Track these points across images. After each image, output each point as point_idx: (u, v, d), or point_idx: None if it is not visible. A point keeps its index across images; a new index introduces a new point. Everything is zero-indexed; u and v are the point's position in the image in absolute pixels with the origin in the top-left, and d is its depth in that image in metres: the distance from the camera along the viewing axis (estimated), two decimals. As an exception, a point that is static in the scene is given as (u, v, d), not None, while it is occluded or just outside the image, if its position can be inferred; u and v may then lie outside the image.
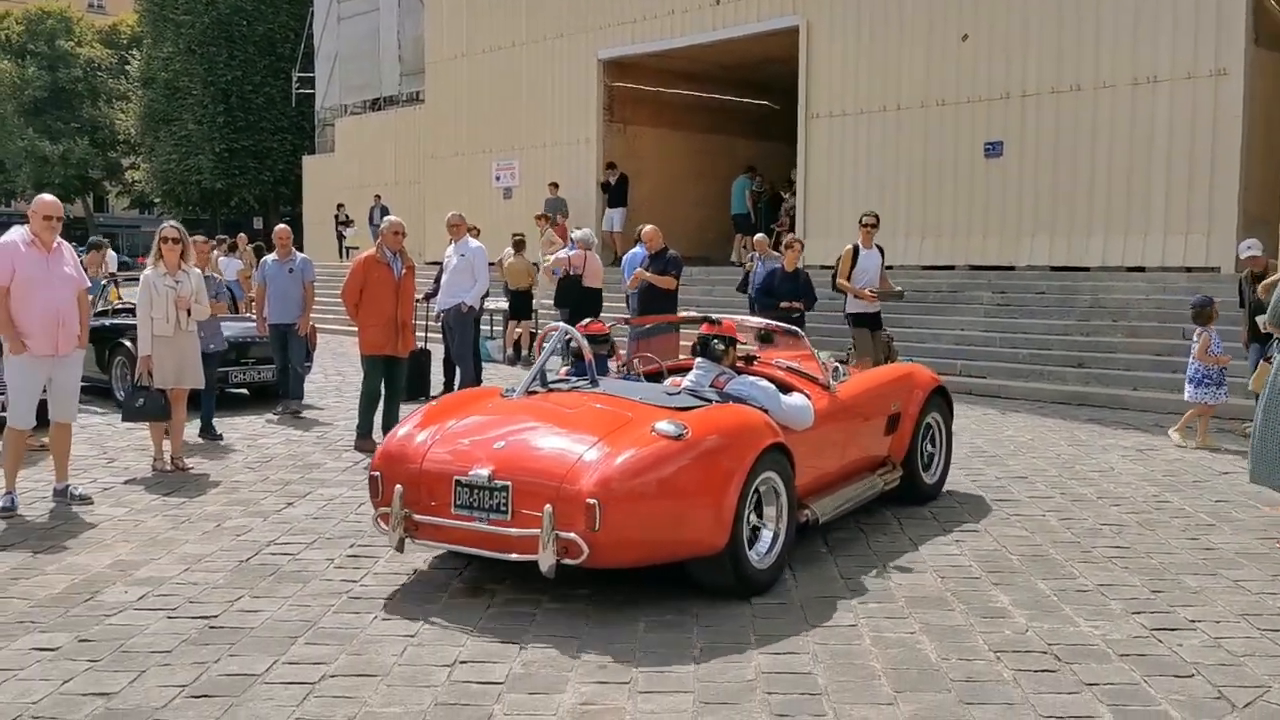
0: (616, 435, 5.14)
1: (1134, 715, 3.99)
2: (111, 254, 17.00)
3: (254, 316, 11.53)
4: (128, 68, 44.59)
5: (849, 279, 11.27)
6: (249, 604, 5.17)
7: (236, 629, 4.82)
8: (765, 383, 6.09)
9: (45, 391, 7.05)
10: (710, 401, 5.75)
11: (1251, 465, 6.74)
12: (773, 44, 19.07)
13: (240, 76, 39.67)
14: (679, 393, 5.92)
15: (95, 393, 11.10)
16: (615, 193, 21.11)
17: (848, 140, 17.65)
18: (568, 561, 4.82)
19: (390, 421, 8.78)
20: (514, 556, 4.97)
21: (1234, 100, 13.73)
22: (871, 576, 5.70)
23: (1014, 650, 4.62)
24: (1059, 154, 15.27)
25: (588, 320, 7.29)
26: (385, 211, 21.09)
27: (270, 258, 11.10)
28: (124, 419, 8.61)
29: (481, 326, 13.08)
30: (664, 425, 5.14)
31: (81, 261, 7.81)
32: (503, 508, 5.02)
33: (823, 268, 12.82)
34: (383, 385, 9.19)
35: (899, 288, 12.18)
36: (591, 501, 4.78)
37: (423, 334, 11.24)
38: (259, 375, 11.51)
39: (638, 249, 12.60)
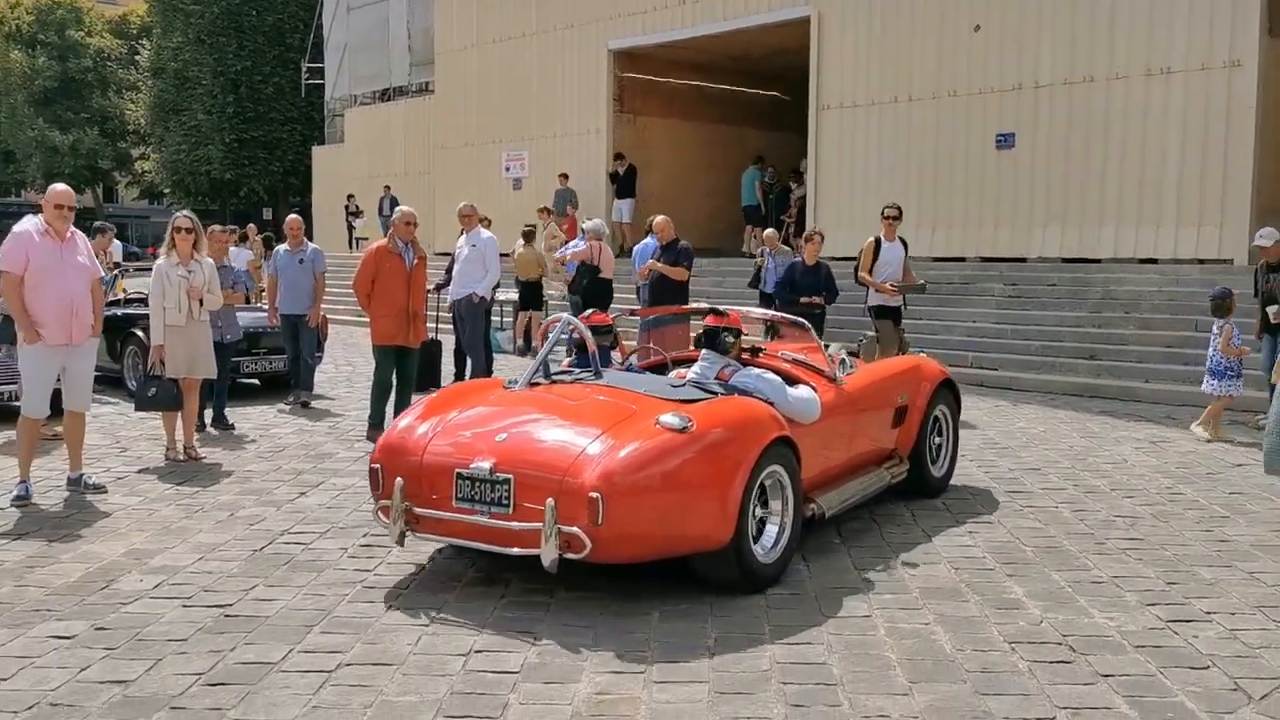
0: (620, 428, 5.07)
1: (1150, 706, 3.98)
2: (117, 243, 16.92)
3: (265, 307, 11.54)
4: (137, 58, 44.70)
5: (871, 272, 10.97)
6: (264, 593, 5.19)
7: (252, 618, 4.84)
8: (771, 375, 6.04)
9: (59, 381, 7.07)
10: (715, 394, 5.67)
11: (1266, 457, 6.71)
12: (784, 34, 19.03)
13: (250, 67, 39.75)
14: (684, 385, 5.83)
15: (106, 382, 11.12)
16: (623, 183, 21.11)
17: (858, 131, 17.60)
18: (570, 556, 4.77)
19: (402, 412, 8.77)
20: (516, 551, 4.91)
21: (1248, 92, 13.66)
22: (885, 568, 5.69)
23: (1029, 641, 4.61)
24: (1071, 145, 15.21)
25: (590, 311, 7.23)
26: (395, 202, 21.08)
27: (282, 248, 11.10)
28: (136, 408, 8.62)
29: (492, 317, 13.08)
30: (668, 418, 5.06)
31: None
32: (504, 501, 4.95)
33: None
34: (394, 376, 9.20)
35: (921, 281, 11.87)
36: (594, 495, 4.71)
37: (434, 324, 11.24)
38: (270, 365, 11.53)
39: (649, 240, 12.59)
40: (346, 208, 28.33)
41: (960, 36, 16.23)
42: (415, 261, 9.16)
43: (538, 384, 5.91)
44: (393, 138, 29.04)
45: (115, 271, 13.23)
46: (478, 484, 5.03)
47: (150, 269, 8.72)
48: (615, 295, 13.49)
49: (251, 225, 21.56)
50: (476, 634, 4.66)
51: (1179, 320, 13.05)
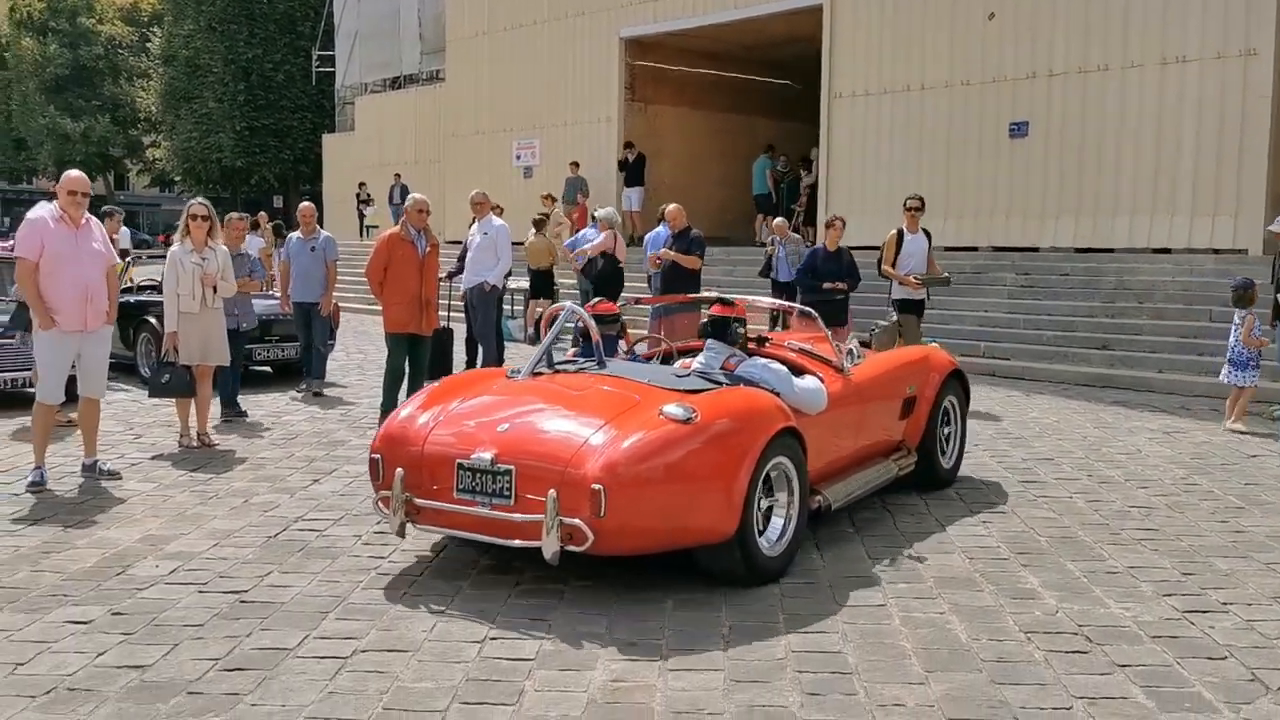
0: (623, 418, 4.98)
1: (1167, 697, 3.97)
2: (125, 229, 16.86)
3: (277, 294, 11.55)
4: (148, 45, 44.75)
5: (894, 265, 10.81)
6: (278, 579, 5.20)
7: (267, 604, 4.85)
8: (777, 365, 5.96)
9: (74, 367, 7.09)
10: (720, 384, 5.59)
11: (1282, 448, 6.68)
12: (796, 23, 18.96)
13: (261, 54, 39.76)
14: (688, 375, 5.76)
15: (119, 369, 11.14)
16: (632, 172, 21.06)
17: (871, 120, 17.53)
18: (572, 548, 4.71)
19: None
20: (517, 543, 4.86)
21: (1263, 81, 13.57)
22: (899, 557, 5.68)
23: (1045, 631, 4.60)
24: (1085, 134, 15.13)
25: (596, 300, 7.17)
26: (405, 190, 21.10)
27: (294, 236, 11.10)
28: (150, 395, 8.64)
29: (504, 306, 13.08)
30: (672, 408, 4.98)
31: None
32: (506, 492, 4.88)
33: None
34: (407, 363, 9.20)
35: (946, 274, 11.70)
36: (597, 487, 4.64)
37: (445, 312, 11.24)
38: (283, 353, 11.55)
39: (661, 228, 12.55)
40: (358, 196, 28.34)
41: (974, 25, 16.15)
42: (428, 249, 9.14)
43: (541, 373, 5.82)
44: (403, 126, 29.04)
45: (127, 260, 13.21)
46: (479, 475, 4.96)
47: (162, 256, 8.72)
48: (625, 284, 13.47)
49: (262, 213, 21.58)
50: (492, 621, 4.66)
51: (1193, 310, 13.00)
